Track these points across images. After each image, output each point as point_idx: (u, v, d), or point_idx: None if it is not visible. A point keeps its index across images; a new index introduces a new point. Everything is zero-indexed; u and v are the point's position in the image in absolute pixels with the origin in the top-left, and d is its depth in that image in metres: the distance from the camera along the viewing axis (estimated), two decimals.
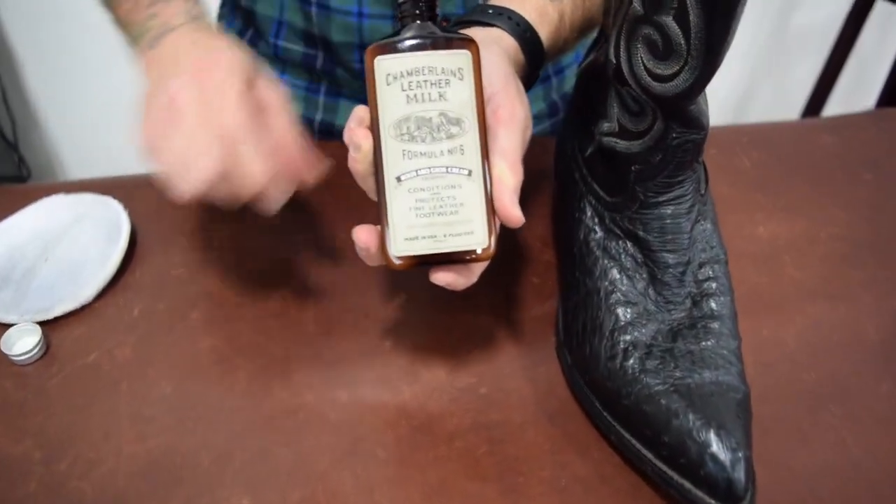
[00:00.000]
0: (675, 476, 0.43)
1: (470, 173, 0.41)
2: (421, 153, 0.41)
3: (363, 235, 0.43)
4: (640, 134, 0.45)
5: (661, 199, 0.47)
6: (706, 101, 0.46)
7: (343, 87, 0.73)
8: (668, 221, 0.48)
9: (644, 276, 0.49)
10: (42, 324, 0.54)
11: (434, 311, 0.56)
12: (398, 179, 0.41)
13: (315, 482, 0.45)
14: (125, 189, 0.65)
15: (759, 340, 0.54)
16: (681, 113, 0.43)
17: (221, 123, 0.44)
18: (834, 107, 1.67)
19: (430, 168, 0.41)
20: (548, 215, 0.63)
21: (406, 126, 0.41)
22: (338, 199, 0.65)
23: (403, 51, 0.40)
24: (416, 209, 0.41)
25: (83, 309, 0.55)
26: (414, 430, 0.48)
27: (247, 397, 0.49)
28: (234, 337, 0.53)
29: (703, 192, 0.49)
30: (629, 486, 0.46)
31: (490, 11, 0.52)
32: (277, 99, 0.47)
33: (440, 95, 0.40)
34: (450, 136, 0.41)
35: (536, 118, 0.78)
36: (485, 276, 0.57)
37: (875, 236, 0.64)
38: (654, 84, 0.42)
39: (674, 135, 0.44)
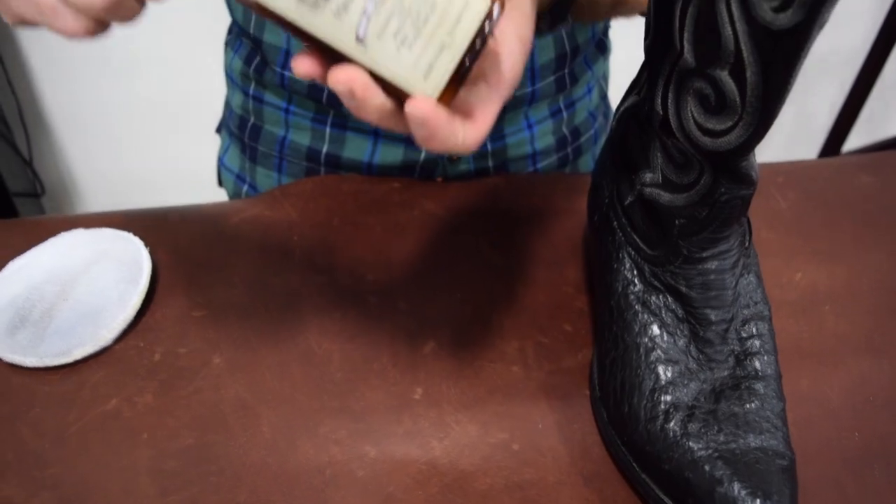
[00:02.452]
0: None
1: None
2: None
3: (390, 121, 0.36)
4: (685, 187, 0.44)
5: (705, 254, 0.45)
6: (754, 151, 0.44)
7: (349, 119, 0.71)
8: (712, 277, 0.46)
9: (685, 332, 0.47)
10: (60, 369, 0.52)
11: (463, 360, 0.54)
12: (358, 39, 0.33)
13: None
14: (145, 223, 0.64)
15: (799, 395, 0.52)
16: (731, 168, 0.41)
17: None
18: (858, 134, 1.65)
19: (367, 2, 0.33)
20: (579, 259, 0.62)
21: None
22: (362, 238, 0.63)
23: None
24: (402, 43, 0.33)
25: (103, 352, 0.54)
26: (445, 490, 0.46)
27: (271, 451, 0.48)
28: (258, 384, 0.52)
29: (747, 244, 0.47)
30: None
31: None
32: None
33: None
34: None
35: (545, 153, 0.77)
36: (516, 323, 0.56)
37: None
38: (705, 139, 0.40)
39: (722, 190, 0.42)
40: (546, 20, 0.51)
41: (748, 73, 0.36)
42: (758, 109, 0.37)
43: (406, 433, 0.49)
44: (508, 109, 0.72)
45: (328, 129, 0.72)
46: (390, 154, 0.72)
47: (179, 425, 0.49)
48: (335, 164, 0.74)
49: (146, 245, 0.60)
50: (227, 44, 0.79)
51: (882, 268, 0.63)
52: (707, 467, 0.42)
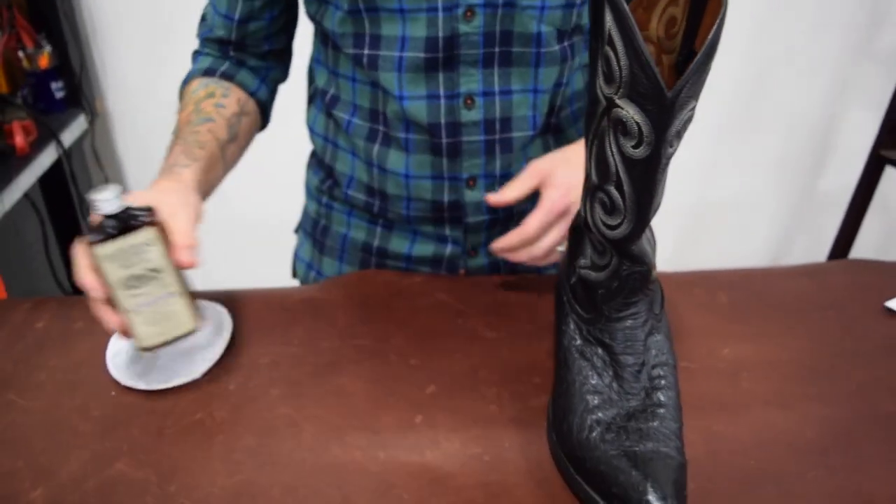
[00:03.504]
0: None
1: (173, 293, 0.69)
2: (145, 291, 0.67)
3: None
4: (603, 267, 0.63)
5: (621, 314, 0.64)
6: (652, 245, 0.63)
7: (394, 223, 0.94)
8: (627, 332, 0.64)
9: (610, 373, 0.64)
10: (162, 391, 0.72)
11: (454, 399, 0.72)
12: (132, 311, 0.67)
13: None
14: (230, 298, 0.85)
15: (711, 434, 0.68)
16: (627, 252, 0.60)
17: None
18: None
19: (148, 299, 0.68)
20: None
21: (130, 280, 0.66)
22: (389, 315, 0.83)
23: (109, 240, 0.64)
24: (147, 321, 0.68)
25: (194, 382, 0.74)
26: (432, 483, 0.63)
27: (310, 451, 0.66)
28: (303, 408, 0.71)
29: (657, 311, 0.66)
30: None
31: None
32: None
33: (143, 258, 0.66)
34: (155, 278, 0.67)
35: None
36: (497, 376, 0.74)
37: (828, 363, 0.78)
38: (607, 231, 0.59)
39: (624, 268, 0.61)
40: None
41: (625, 187, 0.56)
42: (634, 211, 0.57)
43: (408, 445, 0.67)
44: (515, 222, 0.93)
45: (378, 229, 0.96)
46: (424, 248, 0.94)
47: (244, 432, 0.68)
48: (383, 254, 0.96)
49: (229, 312, 0.81)
50: (308, 166, 1.04)
51: (800, 348, 0.80)
52: (615, 462, 0.59)
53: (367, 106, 0.88)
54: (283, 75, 1.00)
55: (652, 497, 0.56)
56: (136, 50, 1.87)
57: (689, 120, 0.54)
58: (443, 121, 0.85)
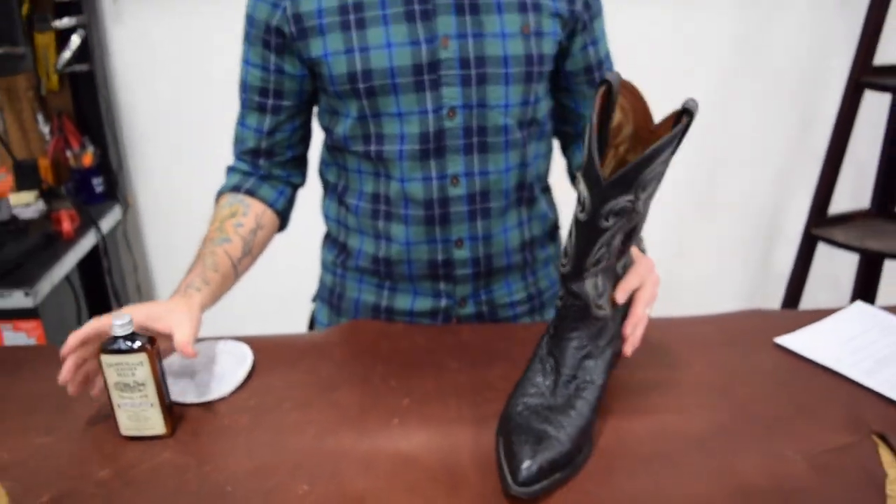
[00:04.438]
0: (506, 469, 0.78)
1: (152, 404, 0.87)
2: (129, 396, 0.86)
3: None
4: (561, 298, 0.85)
5: (568, 336, 0.85)
6: (598, 291, 0.85)
7: (398, 284, 1.17)
8: (570, 350, 0.85)
9: (552, 377, 0.85)
10: (197, 405, 0.94)
11: (424, 407, 0.92)
12: (118, 406, 0.87)
13: (343, 482, 0.81)
14: (252, 340, 1.07)
15: (620, 429, 0.88)
16: (568, 287, 0.83)
17: None
18: None
19: (132, 402, 0.87)
20: (505, 365, 1.01)
21: (120, 385, 0.86)
22: (375, 351, 1.05)
23: (113, 352, 0.85)
24: (129, 416, 0.88)
25: (222, 399, 0.95)
26: (404, 463, 0.83)
27: (313, 443, 0.86)
28: (309, 415, 0.91)
29: (601, 344, 0.86)
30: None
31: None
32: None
33: (132, 373, 0.86)
34: (139, 389, 0.86)
35: (520, 302, 1.21)
36: (458, 391, 0.95)
37: (719, 382, 0.98)
38: (561, 267, 0.82)
39: (568, 301, 0.83)
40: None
41: (573, 239, 0.79)
42: (574, 258, 0.80)
43: (386, 438, 0.87)
44: (494, 276, 1.17)
45: (385, 292, 1.18)
46: (423, 303, 1.17)
47: (262, 431, 0.89)
48: (390, 311, 1.19)
49: (251, 348, 1.03)
50: (323, 245, 1.28)
51: (700, 372, 1.00)
52: (519, 431, 0.79)
53: (371, 191, 1.12)
54: (303, 180, 1.23)
55: (524, 459, 0.76)
56: (165, 156, 2.16)
57: (627, 210, 0.77)
58: (435, 196, 1.09)
